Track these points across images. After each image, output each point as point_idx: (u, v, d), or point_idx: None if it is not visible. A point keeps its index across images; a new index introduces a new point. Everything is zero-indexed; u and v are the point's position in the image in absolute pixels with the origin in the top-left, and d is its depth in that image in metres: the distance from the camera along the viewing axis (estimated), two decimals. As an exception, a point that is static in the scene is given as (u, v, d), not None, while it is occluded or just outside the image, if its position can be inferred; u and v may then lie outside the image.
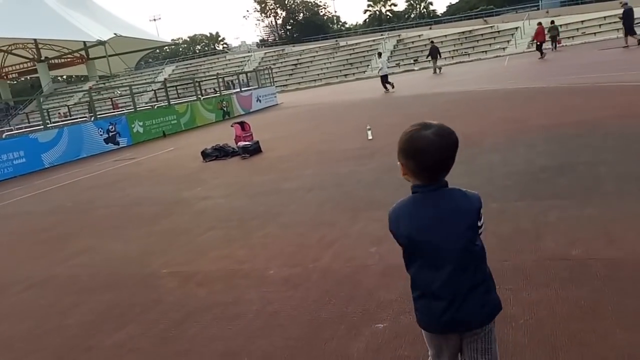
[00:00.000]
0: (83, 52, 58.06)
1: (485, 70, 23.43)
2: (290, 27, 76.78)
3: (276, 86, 44.88)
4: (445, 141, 1.49)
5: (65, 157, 14.03)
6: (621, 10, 22.09)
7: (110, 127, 15.83)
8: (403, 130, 1.52)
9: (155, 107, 21.09)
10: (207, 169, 8.90)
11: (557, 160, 5.47)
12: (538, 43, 24.32)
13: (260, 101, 25.09)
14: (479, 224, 1.54)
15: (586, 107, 8.64)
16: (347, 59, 45.38)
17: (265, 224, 4.93)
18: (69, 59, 60.80)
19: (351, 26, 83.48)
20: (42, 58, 57.06)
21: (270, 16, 79.52)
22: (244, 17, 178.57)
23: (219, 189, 6.99)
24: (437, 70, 27.42)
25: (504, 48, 37.93)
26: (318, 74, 44.70)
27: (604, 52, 21.66)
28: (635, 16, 22.29)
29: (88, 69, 60.32)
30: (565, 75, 14.51)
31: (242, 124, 11.49)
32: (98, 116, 18.32)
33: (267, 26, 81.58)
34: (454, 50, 40.59)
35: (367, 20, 78.30)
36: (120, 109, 23.51)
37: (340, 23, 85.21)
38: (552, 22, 29.08)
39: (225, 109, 22.07)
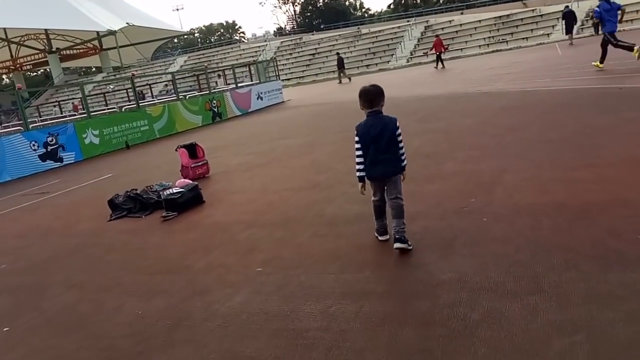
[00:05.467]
0: (96, 43, 55.37)
1: (537, 61, 18.66)
2: (309, 14, 72.15)
3: (291, 79, 41.29)
4: (375, 89, 3.41)
5: (-24, 182, 10.43)
6: None
7: (50, 138, 12.10)
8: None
9: (123, 109, 17.28)
10: (89, 245, 5.01)
11: None
12: (437, 53, 25.37)
13: (261, 99, 21.11)
14: (397, 131, 3.41)
15: None
16: (369, 48, 40.95)
17: None
18: (82, 50, 58.35)
19: (375, 12, 78.39)
20: (53, 49, 54.58)
21: (288, 2, 75.01)
22: (260, 4, 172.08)
23: (45, 332, 3.09)
24: (344, 80, 28.19)
25: (548, 34, 32.97)
26: (337, 65, 40.33)
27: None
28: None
29: (101, 59, 57.71)
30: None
31: (193, 148, 7.62)
32: (42, 123, 14.60)
33: (284, 13, 77.18)
34: (489, 37, 35.82)
35: (392, 5, 73.05)
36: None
37: (364, 9, 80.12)
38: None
39: (215, 109, 18.17)
